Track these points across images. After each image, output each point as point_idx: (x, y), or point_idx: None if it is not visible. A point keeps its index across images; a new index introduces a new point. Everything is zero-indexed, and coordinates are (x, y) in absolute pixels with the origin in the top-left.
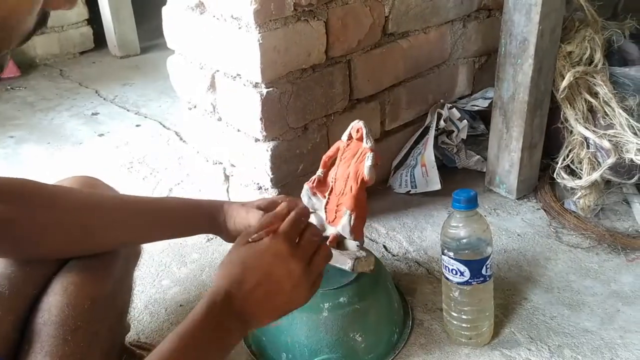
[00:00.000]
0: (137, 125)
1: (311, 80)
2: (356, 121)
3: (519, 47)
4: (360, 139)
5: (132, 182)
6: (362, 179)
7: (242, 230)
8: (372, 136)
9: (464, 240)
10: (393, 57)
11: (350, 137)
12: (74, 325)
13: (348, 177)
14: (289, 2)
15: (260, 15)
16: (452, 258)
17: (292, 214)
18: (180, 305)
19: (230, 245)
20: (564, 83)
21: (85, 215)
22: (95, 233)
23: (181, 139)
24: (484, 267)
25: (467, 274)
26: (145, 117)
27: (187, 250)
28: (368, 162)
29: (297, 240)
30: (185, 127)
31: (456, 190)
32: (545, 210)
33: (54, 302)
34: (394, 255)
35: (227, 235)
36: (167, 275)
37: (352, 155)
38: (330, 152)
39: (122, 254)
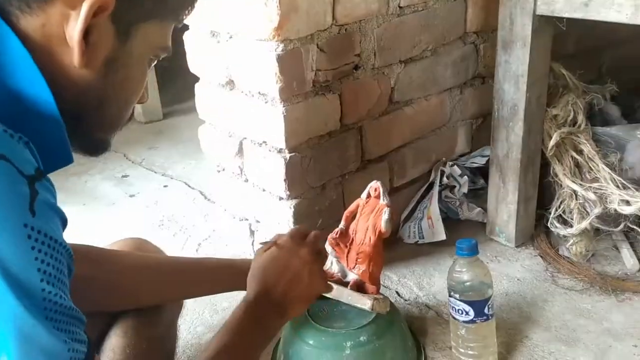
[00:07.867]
0: (165, 186)
1: (328, 145)
2: (374, 181)
3: (509, 112)
4: (378, 197)
5: (163, 239)
6: (380, 231)
7: None
8: (387, 194)
9: (468, 283)
10: (399, 122)
11: (368, 195)
12: None
13: (367, 230)
14: (308, 79)
15: (285, 91)
16: (457, 299)
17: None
18: None
19: None
20: (552, 142)
21: (137, 275)
22: (145, 290)
23: (206, 197)
24: (486, 307)
25: (472, 313)
26: (172, 178)
27: (217, 299)
28: (385, 216)
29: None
30: (213, 188)
31: (459, 240)
32: (541, 257)
33: (117, 343)
34: (405, 300)
35: None
36: (201, 322)
37: (371, 210)
38: (351, 208)
39: (167, 305)
